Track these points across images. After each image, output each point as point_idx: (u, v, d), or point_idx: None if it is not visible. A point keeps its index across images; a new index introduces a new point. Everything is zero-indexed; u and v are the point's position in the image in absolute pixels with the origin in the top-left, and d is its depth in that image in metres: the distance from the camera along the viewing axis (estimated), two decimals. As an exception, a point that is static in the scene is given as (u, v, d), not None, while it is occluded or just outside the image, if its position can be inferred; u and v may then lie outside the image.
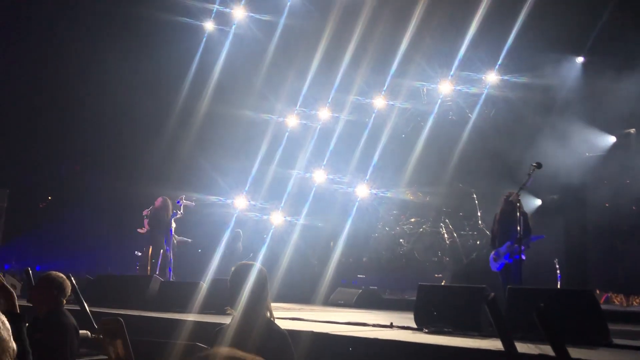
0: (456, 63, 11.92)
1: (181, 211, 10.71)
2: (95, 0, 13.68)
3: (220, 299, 7.19)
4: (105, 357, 6.06)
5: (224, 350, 0.98)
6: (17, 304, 2.30)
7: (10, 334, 1.51)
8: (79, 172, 15.27)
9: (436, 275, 12.00)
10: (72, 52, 14.17)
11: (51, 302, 4.34)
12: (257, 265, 3.44)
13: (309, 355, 4.49)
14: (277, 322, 3.42)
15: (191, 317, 6.62)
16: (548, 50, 10.74)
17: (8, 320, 2.06)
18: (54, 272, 4.55)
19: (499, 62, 11.57)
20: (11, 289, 2.27)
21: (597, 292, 9.88)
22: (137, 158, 14.45)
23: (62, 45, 14.06)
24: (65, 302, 4.49)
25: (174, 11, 13.12)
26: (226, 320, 3.59)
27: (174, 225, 10.59)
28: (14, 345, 1.50)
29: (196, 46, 13.91)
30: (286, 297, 10.53)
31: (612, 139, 11.43)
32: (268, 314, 3.32)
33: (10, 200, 15.32)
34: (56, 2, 13.88)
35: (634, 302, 10.37)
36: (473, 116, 12.28)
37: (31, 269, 6.82)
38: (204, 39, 13.94)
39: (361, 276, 12.88)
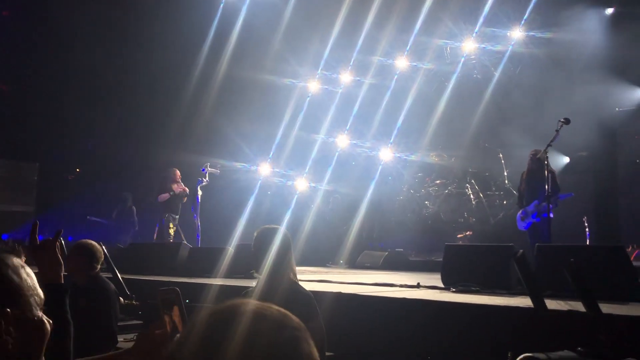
0: (481, 20, 11.61)
1: (207, 178, 10.80)
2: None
3: (246, 263, 7.31)
4: (138, 321, 6.22)
5: (252, 303, 0.97)
6: (62, 274, 2.33)
7: (34, 280, 1.52)
8: (105, 145, 15.42)
9: (459, 235, 11.96)
10: (92, 23, 14.16)
11: (87, 269, 4.45)
12: (281, 228, 3.47)
13: (336, 315, 4.53)
14: (304, 284, 3.45)
15: (219, 281, 6.74)
16: (576, 2, 10.38)
17: (51, 292, 2.08)
18: (84, 240, 4.65)
19: (525, 17, 11.23)
20: (61, 259, 2.30)
21: (629, 248, 9.74)
22: (160, 127, 14.52)
23: (82, 18, 14.06)
24: (99, 267, 4.60)
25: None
26: (252, 283, 3.64)
27: (200, 192, 10.70)
28: (39, 292, 1.52)
29: (215, 10, 13.78)
30: (312, 261, 10.63)
31: (642, 93, 11.11)
32: (292, 276, 3.35)
33: (41, 173, 15.62)
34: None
35: (666, 258, 10.22)
36: (497, 74, 12.01)
37: (63, 239, 6.97)
38: (222, 3, 13.79)
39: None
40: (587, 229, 12.11)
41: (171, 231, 10.92)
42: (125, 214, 13.16)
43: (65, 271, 4.68)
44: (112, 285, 4.60)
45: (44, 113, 14.70)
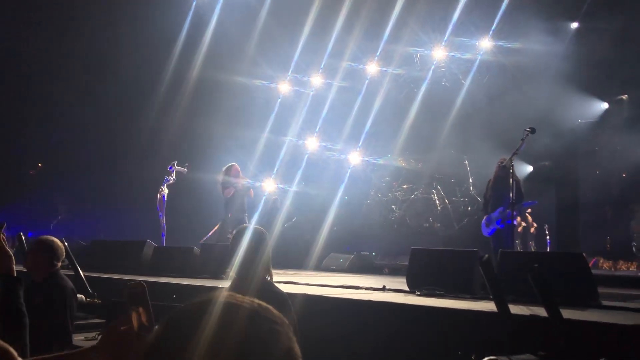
0: (450, 28, 11.80)
1: (173, 176, 10.67)
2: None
3: (213, 263, 7.26)
4: (100, 320, 6.10)
5: (223, 294, 0.96)
6: (14, 267, 2.29)
7: None
8: (70, 140, 15.11)
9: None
10: (60, 18, 13.88)
11: (46, 266, 4.33)
12: (255, 227, 3.46)
13: (303, 317, 4.53)
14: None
15: (184, 281, 6.67)
16: (542, 15, 10.64)
17: (4, 284, 2.04)
18: (45, 236, 4.53)
19: (493, 28, 11.46)
20: (10, 252, 2.25)
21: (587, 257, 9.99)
22: (127, 125, 14.31)
23: (48, 12, 13.77)
24: (60, 265, 4.48)
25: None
26: (220, 284, 3.62)
27: (166, 191, 10.56)
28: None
29: (186, 12, 13.67)
30: (279, 263, 10.59)
31: (604, 106, 11.45)
32: (267, 276, 3.33)
33: (1, 167, 15.22)
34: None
35: (622, 267, 10.55)
36: (466, 82, 12.22)
37: (23, 235, 6.80)
38: (194, 4, 13.69)
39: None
40: (547, 237, 12.44)
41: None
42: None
43: (24, 267, 4.57)
44: (70, 283, 4.47)
45: (6, 107, 14.34)
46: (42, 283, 4.30)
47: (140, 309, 1.72)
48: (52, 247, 4.39)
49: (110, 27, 13.52)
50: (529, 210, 12.24)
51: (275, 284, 3.41)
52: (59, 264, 4.48)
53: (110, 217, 13.40)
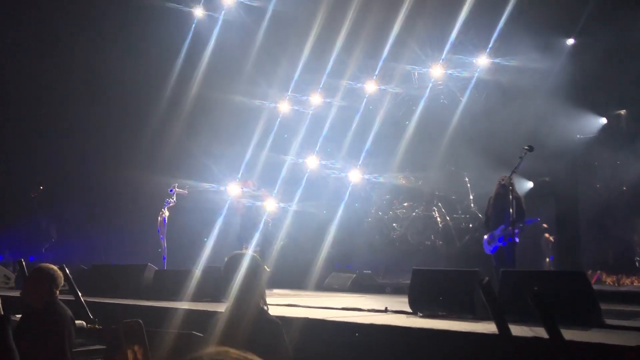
0: (447, 47, 11.88)
1: (174, 199, 10.67)
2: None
3: (214, 286, 7.24)
4: (102, 346, 6.07)
5: (212, 350, 0.97)
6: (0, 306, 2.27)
7: None
8: (70, 162, 15.15)
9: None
10: (60, 39, 14.01)
11: (45, 294, 4.32)
12: (249, 253, 3.46)
13: (305, 342, 4.52)
14: (272, 308, 3.43)
15: (185, 305, 6.64)
16: (538, 32, 10.73)
17: None
18: (44, 264, 4.54)
19: (490, 46, 11.54)
20: None
21: (589, 272, 9.98)
22: (128, 145, 14.36)
23: (50, 33, 13.90)
24: (58, 292, 4.48)
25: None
26: (221, 307, 3.61)
27: (167, 213, 10.56)
28: None
29: (185, 32, 13.79)
30: (281, 283, 10.55)
31: (602, 121, 11.48)
32: (261, 303, 3.33)
33: (2, 190, 15.23)
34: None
35: (625, 282, 10.50)
36: (464, 100, 12.28)
37: (24, 260, 6.79)
38: (193, 25, 13.81)
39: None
40: (550, 252, 12.39)
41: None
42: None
43: (21, 294, 4.56)
44: (68, 311, 4.46)
45: (7, 128, 14.41)
46: (40, 311, 4.30)
47: (136, 347, 1.72)
48: (52, 276, 4.38)
49: (110, 47, 13.63)
50: (545, 225, 12.03)
51: (270, 310, 3.41)
52: (57, 291, 4.48)
53: (110, 240, 13.38)
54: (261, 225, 11.96)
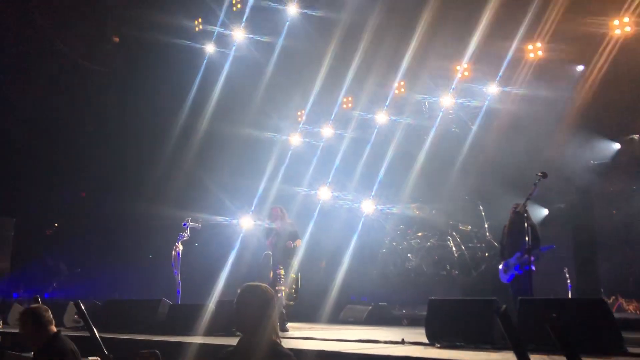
0: (458, 76, 11.96)
1: (188, 233, 10.69)
2: (98, 22, 13.82)
3: (227, 320, 7.19)
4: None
5: None
6: None
7: None
8: (84, 198, 15.31)
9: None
10: (74, 76, 14.30)
11: (39, 333, 4.32)
12: (262, 285, 3.44)
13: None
14: (286, 341, 3.39)
15: (199, 339, 6.60)
16: (548, 60, 10.78)
17: None
18: (28, 307, 4.54)
19: (500, 74, 11.59)
20: None
21: (611, 299, 9.79)
22: (141, 181, 14.49)
23: (63, 71, 14.20)
24: (54, 328, 4.42)
25: (176, 35, 13.28)
26: (234, 341, 3.58)
27: (181, 247, 10.57)
28: None
29: (197, 68, 14.04)
30: (294, 316, 10.44)
31: (616, 146, 11.42)
32: (274, 336, 3.29)
33: (17, 228, 15.37)
34: (56, 23, 14.00)
35: (647, 309, 10.28)
36: (475, 128, 12.27)
37: (40, 297, 6.81)
38: (205, 61, 14.06)
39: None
40: (568, 280, 12.17)
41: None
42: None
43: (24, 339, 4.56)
44: (72, 345, 4.42)
45: (22, 167, 14.61)
46: (42, 349, 4.30)
47: None
48: (36, 315, 4.36)
49: (122, 83, 13.90)
50: None
51: (283, 342, 3.36)
52: (53, 327, 4.43)
53: (124, 275, 13.40)
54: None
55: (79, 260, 14.48)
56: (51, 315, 4.46)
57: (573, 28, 10.15)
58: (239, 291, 3.43)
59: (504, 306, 3.83)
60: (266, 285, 3.43)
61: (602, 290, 10.85)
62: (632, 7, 9.99)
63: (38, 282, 14.33)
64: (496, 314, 3.77)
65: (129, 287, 13.28)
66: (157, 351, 1.72)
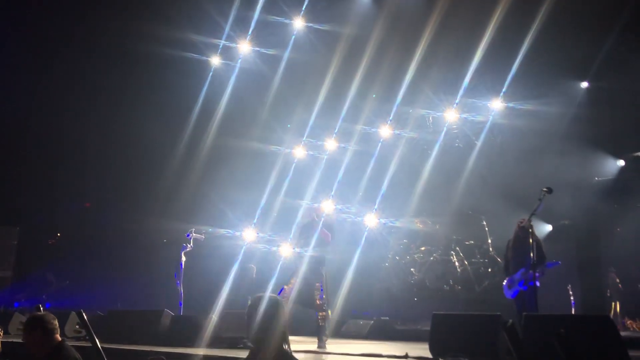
0: (461, 91, 12.00)
1: (191, 244, 10.69)
2: (103, 36, 13.92)
3: (231, 331, 7.16)
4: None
5: None
6: None
7: None
8: (88, 209, 15.32)
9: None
10: (80, 88, 14.38)
11: (45, 341, 4.30)
12: (270, 295, 3.44)
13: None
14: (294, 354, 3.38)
15: (201, 351, 6.56)
16: (553, 76, 10.81)
17: None
18: (36, 313, 4.51)
19: (504, 90, 11.63)
20: None
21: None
22: (145, 192, 14.50)
23: (70, 82, 14.28)
24: (59, 337, 4.41)
25: (181, 47, 13.36)
26: (237, 353, 3.57)
27: (184, 258, 10.57)
28: None
29: (203, 80, 14.10)
30: (296, 330, 10.39)
31: (620, 163, 11.42)
32: (285, 346, 3.28)
33: (20, 237, 15.36)
34: (63, 37, 14.11)
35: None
36: (479, 143, 12.29)
37: (42, 306, 6.79)
38: (210, 73, 14.13)
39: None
40: (572, 297, 12.11)
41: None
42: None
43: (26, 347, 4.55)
44: (76, 354, 4.40)
45: (26, 176, 14.65)
46: (46, 358, 4.28)
47: None
48: (43, 321, 4.34)
49: (127, 95, 13.95)
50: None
51: (294, 353, 3.35)
52: (58, 336, 4.42)
53: (126, 285, 13.36)
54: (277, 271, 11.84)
55: (81, 270, 14.43)
56: (57, 324, 4.44)
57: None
58: (249, 301, 3.45)
59: (511, 321, 3.81)
60: (276, 295, 3.45)
61: (605, 307, 10.79)
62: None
63: (37, 292, 14.29)
64: (502, 328, 3.75)
65: (130, 298, 13.23)
66: (164, 357, 1.72)
